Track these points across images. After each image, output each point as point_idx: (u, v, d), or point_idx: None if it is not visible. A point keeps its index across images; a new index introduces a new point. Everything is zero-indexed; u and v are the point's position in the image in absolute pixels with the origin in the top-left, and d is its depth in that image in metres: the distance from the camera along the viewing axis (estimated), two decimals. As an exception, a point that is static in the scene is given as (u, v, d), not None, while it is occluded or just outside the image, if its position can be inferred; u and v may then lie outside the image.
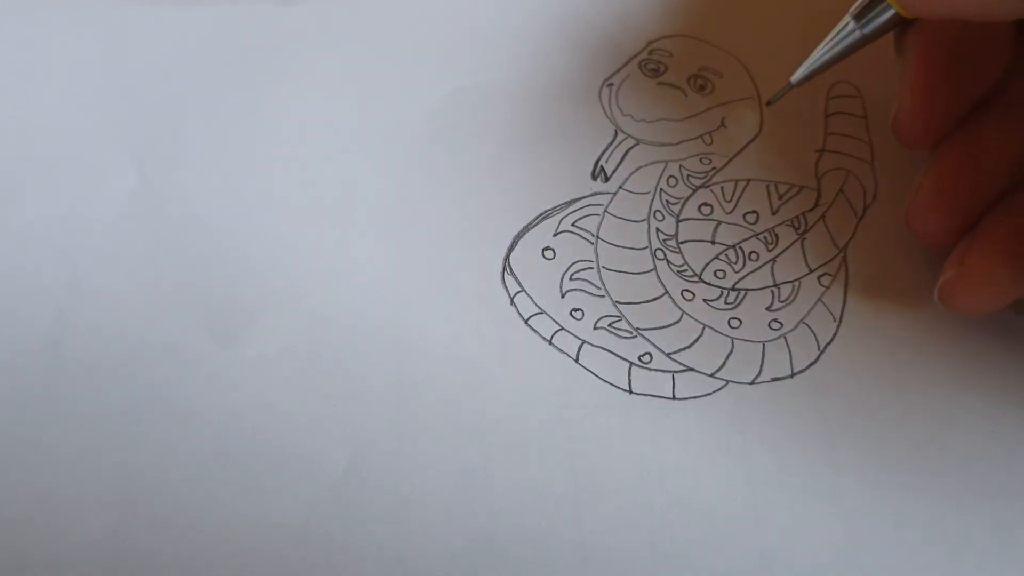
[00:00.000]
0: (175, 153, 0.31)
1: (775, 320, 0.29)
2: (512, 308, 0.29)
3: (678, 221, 0.30)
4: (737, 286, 0.29)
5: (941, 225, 0.28)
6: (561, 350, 0.29)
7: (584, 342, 0.29)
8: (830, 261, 0.30)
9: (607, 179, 0.31)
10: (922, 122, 0.28)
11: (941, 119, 0.28)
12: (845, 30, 0.28)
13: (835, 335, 0.29)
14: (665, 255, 0.30)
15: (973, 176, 0.28)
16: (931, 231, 0.28)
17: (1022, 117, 0.28)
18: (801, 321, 0.29)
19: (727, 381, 0.28)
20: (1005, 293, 0.27)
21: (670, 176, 0.31)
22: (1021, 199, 0.27)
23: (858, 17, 0.27)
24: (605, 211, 0.30)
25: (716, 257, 0.30)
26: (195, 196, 0.30)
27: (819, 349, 0.29)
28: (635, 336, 0.29)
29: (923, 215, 0.28)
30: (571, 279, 0.30)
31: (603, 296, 0.29)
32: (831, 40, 0.28)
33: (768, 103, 0.31)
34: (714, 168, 0.31)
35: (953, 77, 0.28)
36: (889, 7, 0.27)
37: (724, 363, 0.28)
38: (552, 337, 0.29)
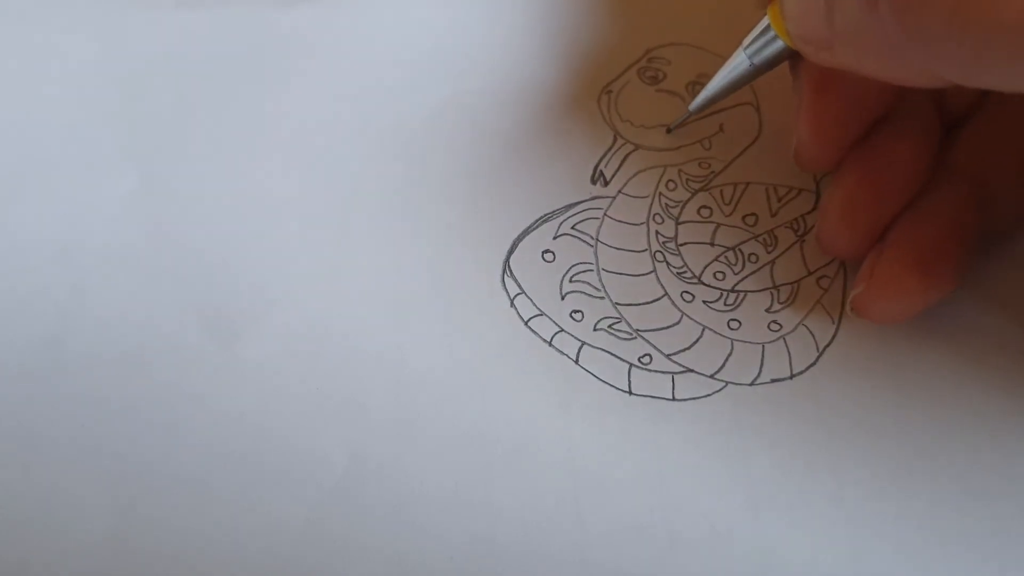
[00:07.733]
0: (175, 153, 0.31)
1: (774, 322, 0.29)
2: (512, 310, 0.29)
3: (677, 224, 0.30)
4: (736, 288, 0.29)
5: (850, 244, 0.28)
6: (561, 351, 0.29)
7: (584, 343, 0.29)
8: (829, 263, 0.30)
9: (606, 183, 0.31)
10: (819, 150, 0.28)
11: (837, 146, 0.28)
12: (737, 60, 0.28)
13: (834, 337, 0.29)
14: (664, 257, 0.30)
15: (875, 194, 0.28)
16: (841, 250, 0.29)
17: (918, 130, 0.28)
18: (800, 323, 0.29)
19: (727, 382, 0.28)
20: (916, 300, 0.27)
21: (669, 180, 0.31)
22: (923, 208, 0.28)
23: (748, 48, 0.28)
24: (604, 214, 0.31)
25: (715, 259, 0.30)
26: (195, 197, 0.30)
27: (818, 351, 0.29)
28: (635, 337, 0.29)
29: (831, 237, 0.29)
30: (571, 281, 0.30)
31: (603, 298, 0.29)
32: (725, 70, 0.29)
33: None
34: (713, 172, 0.31)
35: (846, 105, 0.28)
36: (777, 39, 0.27)
37: (723, 364, 0.28)
38: (552, 338, 0.29)
